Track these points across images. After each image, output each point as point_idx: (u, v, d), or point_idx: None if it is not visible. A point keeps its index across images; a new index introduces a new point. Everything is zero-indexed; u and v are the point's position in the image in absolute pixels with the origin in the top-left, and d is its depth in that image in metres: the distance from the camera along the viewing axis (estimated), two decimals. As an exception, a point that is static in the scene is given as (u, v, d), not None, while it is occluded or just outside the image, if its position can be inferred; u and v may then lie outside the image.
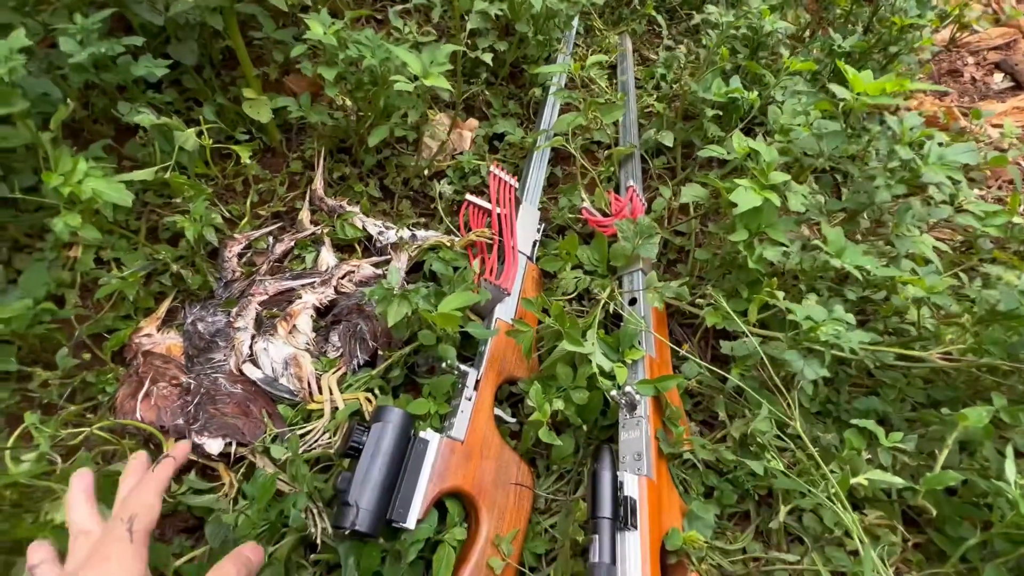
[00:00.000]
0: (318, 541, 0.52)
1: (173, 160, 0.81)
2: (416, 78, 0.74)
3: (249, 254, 0.90)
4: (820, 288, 0.74)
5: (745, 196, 0.64)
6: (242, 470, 0.64)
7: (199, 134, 0.82)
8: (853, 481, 0.55)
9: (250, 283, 0.83)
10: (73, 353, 0.74)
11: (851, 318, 0.57)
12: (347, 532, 0.49)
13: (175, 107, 1.00)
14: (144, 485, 0.47)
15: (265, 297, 0.80)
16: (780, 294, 0.61)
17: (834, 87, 0.67)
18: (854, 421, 0.58)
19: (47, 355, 0.74)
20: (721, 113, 0.91)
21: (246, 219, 0.93)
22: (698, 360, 0.74)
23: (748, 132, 1.06)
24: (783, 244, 0.67)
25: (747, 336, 0.64)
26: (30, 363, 0.73)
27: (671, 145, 0.91)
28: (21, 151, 0.80)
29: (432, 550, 0.58)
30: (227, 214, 0.94)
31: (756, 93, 0.87)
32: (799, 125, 0.77)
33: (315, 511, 0.53)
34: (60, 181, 0.62)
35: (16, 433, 0.58)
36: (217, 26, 0.82)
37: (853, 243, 0.69)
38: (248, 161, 0.84)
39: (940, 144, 0.65)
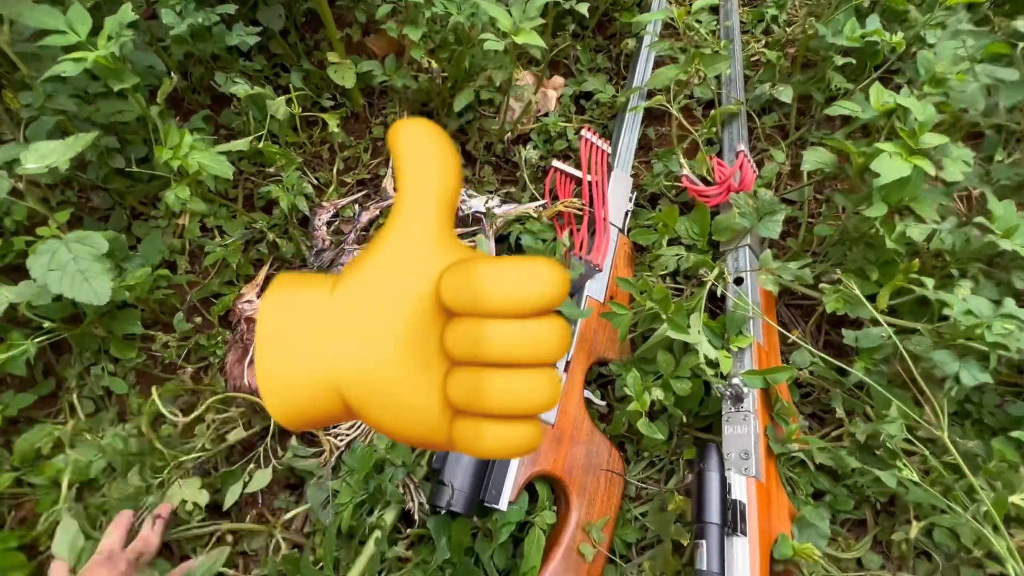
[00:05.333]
0: (416, 517, 0.53)
1: (265, 129, 0.82)
2: (506, 35, 0.68)
3: (336, 222, 0.92)
4: (969, 270, 0.63)
5: (890, 164, 0.54)
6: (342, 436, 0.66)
7: (288, 102, 0.83)
8: (1010, 500, 0.47)
9: (339, 252, 0.84)
10: (187, 317, 0.79)
11: (1024, 314, 0.48)
12: (443, 511, 0.50)
13: (264, 74, 1.01)
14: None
15: (354, 267, 0.81)
16: (929, 282, 0.52)
17: (1021, 24, 0.54)
18: (1015, 434, 0.49)
19: (165, 317, 0.80)
20: (854, 61, 0.78)
21: (333, 187, 0.94)
22: (812, 349, 0.67)
23: (884, 84, 0.91)
24: (933, 221, 0.57)
25: (879, 326, 0.56)
26: (151, 325, 0.79)
27: (789, 101, 0.80)
28: (132, 123, 0.85)
29: (520, 530, 0.58)
30: (315, 182, 0.95)
31: (900, 35, 0.73)
32: (960, 75, 0.64)
33: (411, 486, 0.54)
34: (170, 155, 0.64)
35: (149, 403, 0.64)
36: (302, -12, 0.80)
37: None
38: (336, 129, 0.84)
39: None
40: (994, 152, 0.63)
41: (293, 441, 0.65)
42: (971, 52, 0.61)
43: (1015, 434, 0.50)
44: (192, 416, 0.71)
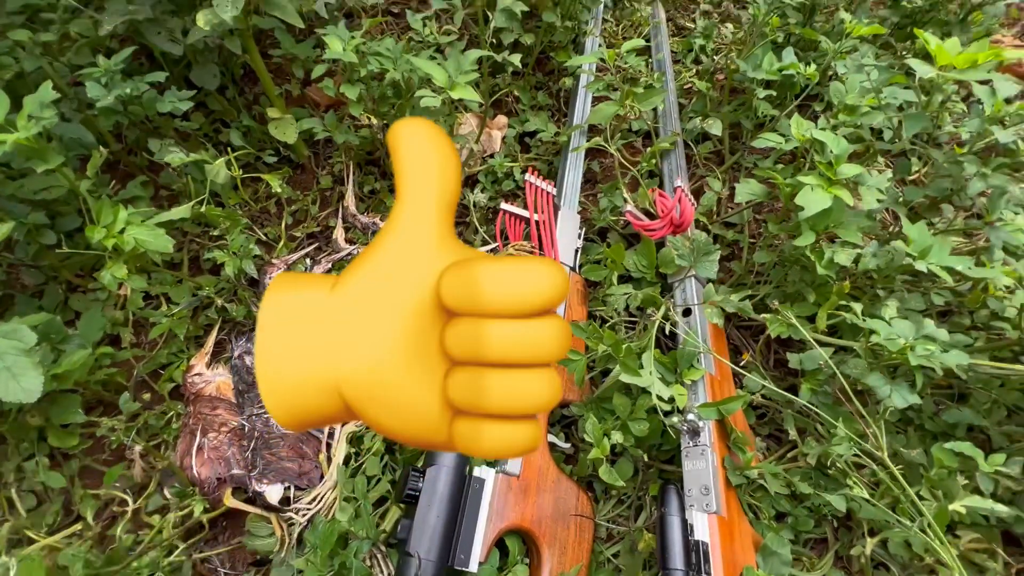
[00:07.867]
0: (383, 592, 0.52)
1: (207, 192, 0.80)
2: (442, 90, 0.69)
3: (289, 278, 0.90)
4: (897, 287, 0.67)
5: (812, 197, 0.58)
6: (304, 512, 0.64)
7: (228, 164, 0.81)
8: (951, 508, 0.50)
9: (292, 311, 0.82)
10: (134, 394, 0.76)
11: (944, 334, 0.51)
12: (411, 585, 0.49)
13: (203, 132, 0.99)
14: None
15: (308, 326, 0.80)
16: (858, 307, 0.55)
17: (913, 63, 0.58)
18: (948, 446, 0.52)
19: (110, 396, 0.76)
20: (774, 93, 0.83)
21: (282, 242, 0.92)
22: (762, 372, 0.70)
23: (805, 109, 0.96)
24: (856, 245, 0.61)
25: (817, 348, 0.59)
26: (95, 406, 0.75)
27: (719, 134, 0.84)
28: (63, 195, 0.81)
29: (495, 587, 0.57)
30: (263, 237, 0.93)
31: (813, 67, 0.78)
32: (868, 105, 0.69)
33: (379, 556, 0.53)
34: (103, 233, 0.62)
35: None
36: (235, 50, 0.80)
37: (936, 236, 0.62)
38: (279, 189, 0.83)
39: (1045, 120, 0.56)
40: (905, 175, 0.68)
41: (251, 519, 0.63)
42: (875, 84, 0.66)
43: (949, 445, 0.53)
44: (142, 499, 0.68)
